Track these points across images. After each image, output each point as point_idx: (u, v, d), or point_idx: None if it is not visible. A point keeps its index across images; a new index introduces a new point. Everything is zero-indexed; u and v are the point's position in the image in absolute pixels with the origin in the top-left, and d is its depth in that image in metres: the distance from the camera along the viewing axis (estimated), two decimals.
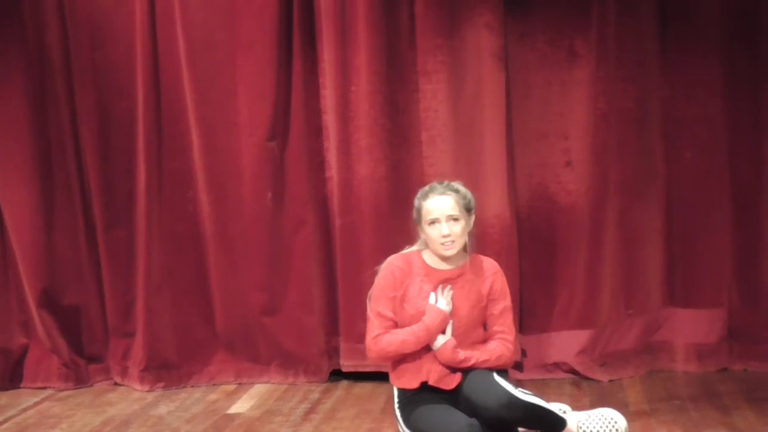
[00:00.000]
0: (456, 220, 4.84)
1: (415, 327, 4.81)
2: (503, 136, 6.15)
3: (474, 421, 4.68)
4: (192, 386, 6.35)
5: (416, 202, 4.94)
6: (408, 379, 4.88)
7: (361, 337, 6.13)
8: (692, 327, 6.28)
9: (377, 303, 4.91)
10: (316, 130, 6.35)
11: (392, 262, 4.98)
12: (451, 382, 4.86)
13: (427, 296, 4.86)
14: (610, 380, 6.14)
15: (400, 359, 4.90)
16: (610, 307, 6.26)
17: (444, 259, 4.91)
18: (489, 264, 5.00)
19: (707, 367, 6.24)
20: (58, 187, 6.43)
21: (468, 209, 4.91)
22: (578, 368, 6.20)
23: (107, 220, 6.44)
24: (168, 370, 6.36)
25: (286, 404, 5.90)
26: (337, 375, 6.38)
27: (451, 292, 4.86)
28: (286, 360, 6.36)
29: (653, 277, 6.32)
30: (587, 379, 6.16)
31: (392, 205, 6.19)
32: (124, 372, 6.46)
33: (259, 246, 6.34)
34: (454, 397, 4.84)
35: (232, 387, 6.32)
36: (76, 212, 6.47)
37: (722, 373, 6.20)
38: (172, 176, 6.39)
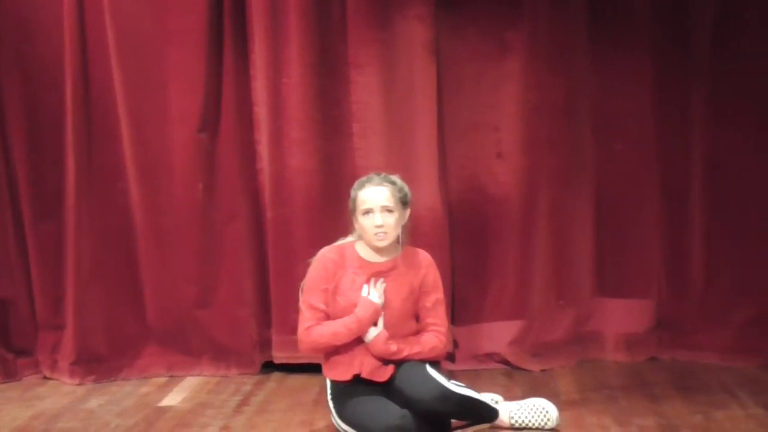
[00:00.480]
0: (390, 211, 4.88)
1: (347, 319, 4.82)
2: (434, 129, 6.17)
3: (406, 412, 4.70)
4: (123, 379, 6.30)
5: (352, 193, 4.96)
6: (341, 371, 4.89)
7: (293, 329, 6.08)
8: (622, 317, 6.36)
9: (309, 295, 4.91)
10: (247, 122, 6.32)
11: (325, 254, 4.98)
12: (384, 374, 4.87)
13: (360, 289, 4.88)
14: (542, 370, 6.18)
15: (333, 351, 4.91)
16: (541, 298, 6.31)
17: (377, 251, 4.93)
18: (422, 257, 5.03)
19: (636, 357, 6.31)
20: None
21: (403, 202, 4.95)
22: (510, 359, 6.23)
23: (36, 213, 6.35)
24: (98, 363, 6.30)
25: (218, 396, 5.87)
26: (269, 367, 6.36)
27: (384, 284, 4.87)
28: (218, 352, 6.34)
29: (583, 268, 6.38)
30: (519, 369, 6.20)
31: (324, 197, 6.19)
32: (53, 366, 6.39)
33: (191, 238, 6.30)
34: (387, 389, 4.86)
35: (163, 380, 6.28)
36: (4, 205, 6.37)
37: (651, 362, 6.28)
38: (101, 169, 6.32)
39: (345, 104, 6.26)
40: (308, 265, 5.00)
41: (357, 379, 4.88)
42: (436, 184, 6.17)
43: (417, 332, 5.00)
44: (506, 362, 6.25)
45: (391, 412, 4.74)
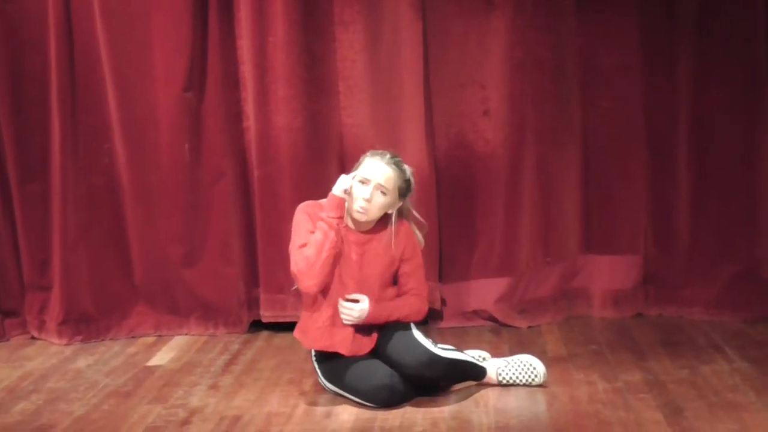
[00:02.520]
0: (383, 193, 4.87)
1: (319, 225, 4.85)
2: (421, 86, 6.15)
3: (394, 372, 4.72)
4: (111, 339, 6.31)
5: (362, 157, 4.97)
6: (319, 347, 4.93)
7: (280, 288, 6.17)
8: (609, 273, 6.37)
9: (297, 238, 4.90)
10: (233, 81, 6.30)
11: (306, 205, 4.99)
12: (366, 347, 4.91)
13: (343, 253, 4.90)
14: (529, 327, 6.20)
15: (308, 324, 4.92)
16: (528, 254, 6.32)
17: (354, 220, 4.94)
18: (402, 229, 5.03)
19: (623, 313, 6.33)
20: None
21: (401, 192, 4.94)
22: (497, 316, 6.25)
23: (21, 174, 6.32)
24: (86, 323, 6.30)
25: (206, 356, 5.88)
26: (257, 326, 6.37)
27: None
28: (205, 312, 6.34)
29: (570, 225, 6.39)
30: (506, 326, 6.21)
31: (310, 155, 6.18)
32: (41, 326, 6.39)
33: (177, 198, 6.29)
34: (372, 354, 4.89)
35: (151, 339, 6.29)
36: None
37: (638, 318, 6.30)
38: (87, 129, 6.30)
39: (331, 62, 6.24)
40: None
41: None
42: (422, 141, 6.16)
43: (396, 297, 5.04)
44: (493, 319, 6.26)
45: (379, 371, 4.76)
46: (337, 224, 4.82)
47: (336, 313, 4.90)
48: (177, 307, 6.37)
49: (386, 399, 4.76)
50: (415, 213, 5.09)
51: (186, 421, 4.74)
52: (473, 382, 5.00)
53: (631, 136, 6.31)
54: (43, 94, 6.25)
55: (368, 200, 4.83)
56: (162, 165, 6.29)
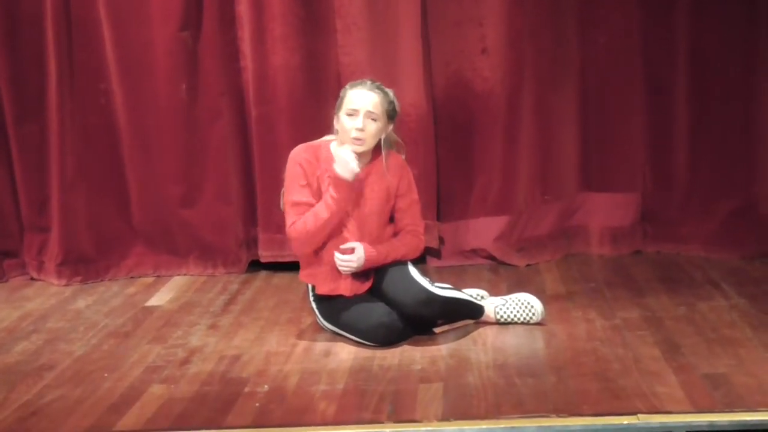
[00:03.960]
0: (374, 120, 4.85)
1: (324, 197, 4.83)
2: (418, 24, 6.11)
3: (392, 310, 4.75)
4: (110, 280, 6.32)
5: (342, 91, 4.94)
6: (321, 288, 4.94)
7: (279, 228, 6.14)
8: (607, 211, 6.37)
9: (290, 193, 4.91)
10: (229, 20, 6.25)
11: (298, 153, 4.97)
12: (366, 285, 4.93)
13: None
14: (527, 265, 6.21)
15: (311, 263, 4.93)
16: (526, 192, 6.31)
17: None
18: (396, 161, 5.02)
19: (621, 250, 6.34)
20: None
21: (390, 116, 4.92)
22: (496, 254, 6.25)
23: (18, 114, 6.30)
24: (85, 264, 6.31)
25: (205, 296, 5.90)
26: (255, 265, 6.38)
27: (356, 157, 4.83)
28: (204, 252, 6.35)
29: (569, 163, 6.38)
30: (504, 264, 6.22)
31: (307, 94, 6.16)
32: (40, 267, 6.40)
33: (175, 138, 6.27)
34: (370, 292, 4.91)
35: (150, 280, 6.30)
36: None
37: (636, 255, 6.31)
38: (83, 69, 6.27)
39: (328, 0, 6.20)
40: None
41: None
42: (420, 79, 6.13)
43: (393, 235, 5.04)
44: (492, 257, 6.27)
45: (377, 310, 4.78)
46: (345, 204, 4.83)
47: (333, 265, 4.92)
48: (175, 247, 6.38)
49: (384, 337, 4.78)
50: (395, 136, 5.06)
51: (186, 361, 4.76)
52: (471, 321, 5.02)
53: (629, 73, 6.28)
54: (39, 34, 6.22)
55: (362, 129, 4.82)
56: (159, 105, 6.27)
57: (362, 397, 4.22)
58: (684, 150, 6.25)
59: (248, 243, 6.38)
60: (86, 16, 6.22)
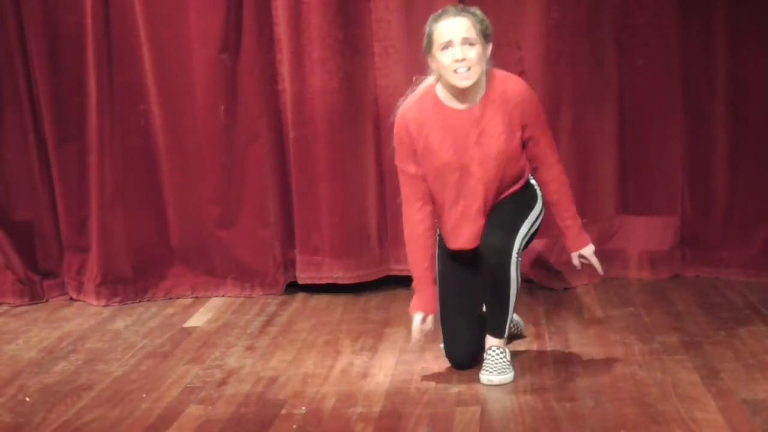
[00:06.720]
0: (472, 44, 4.43)
1: (418, 272, 4.65)
2: None
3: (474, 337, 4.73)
4: (148, 300, 6.35)
5: (426, 28, 4.53)
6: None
7: (316, 249, 6.20)
8: (645, 234, 6.34)
9: (399, 162, 4.63)
10: (268, 43, 6.29)
11: (403, 116, 4.60)
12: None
13: (449, 145, 4.54)
14: (565, 288, 6.19)
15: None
16: None
17: (459, 93, 4.52)
18: (512, 84, 4.60)
19: (660, 274, 6.30)
20: (6, 103, 6.35)
21: (485, 35, 4.51)
22: (533, 277, 6.24)
23: (58, 135, 6.36)
24: (124, 284, 6.35)
25: (242, 317, 5.91)
26: (293, 287, 6.39)
27: None
28: (242, 273, 6.37)
29: (607, 186, 6.35)
30: (542, 287, 6.21)
31: (345, 117, 6.17)
32: (79, 287, 6.44)
33: (213, 159, 6.31)
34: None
35: (188, 301, 6.33)
36: (27, 128, 6.39)
37: (674, 279, 6.27)
38: (123, 90, 6.32)
39: (366, 23, 6.22)
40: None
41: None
42: None
43: (523, 168, 4.66)
44: (529, 280, 6.25)
45: (464, 335, 4.75)
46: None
47: (461, 212, 4.61)
48: (213, 268, 6.40)
49: (459, 363, 4.78)
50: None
51: (223, 382, 4.78)
52: (504, 326, 4.75)
53: (667, 96, 6.26)
54: (80, 55, 6.28)
55: (462, 59, 4.39)
56: (197, 126, 6.30)
57: (399, 419, 4.22)
58: (723, 173, 6.21)
59: (286, 265, 6.38)
60: (126, 38, 6.27)
